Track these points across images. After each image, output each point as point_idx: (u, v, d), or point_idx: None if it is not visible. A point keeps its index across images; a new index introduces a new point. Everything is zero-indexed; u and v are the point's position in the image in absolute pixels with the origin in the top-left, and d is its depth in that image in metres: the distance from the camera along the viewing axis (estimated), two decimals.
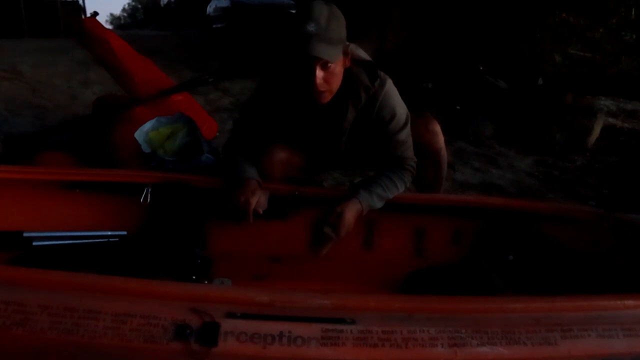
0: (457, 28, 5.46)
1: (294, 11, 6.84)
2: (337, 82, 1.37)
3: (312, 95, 1.36)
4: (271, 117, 1.53)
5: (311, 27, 1.25)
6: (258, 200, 1.43)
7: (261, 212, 1.44)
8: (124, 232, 1.54)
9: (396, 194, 1.54)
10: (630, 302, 1.02)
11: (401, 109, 1.53)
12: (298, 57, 1.30)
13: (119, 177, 1.57)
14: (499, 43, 5.40)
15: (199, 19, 9.63)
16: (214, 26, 7.33)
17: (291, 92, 1.46)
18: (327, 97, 1.38)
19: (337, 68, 1.34)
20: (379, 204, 1.51)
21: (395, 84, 1.54)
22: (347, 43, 1.37)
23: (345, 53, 1.37)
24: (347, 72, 1.41)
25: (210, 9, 7.76)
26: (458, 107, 5.00)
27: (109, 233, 1.53)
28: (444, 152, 1.76)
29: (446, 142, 1.81)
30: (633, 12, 5.03)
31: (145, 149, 1.99)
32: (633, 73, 5.04)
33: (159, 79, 2.69)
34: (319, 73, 1.30)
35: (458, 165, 3.55)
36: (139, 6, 32.23)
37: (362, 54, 1.50)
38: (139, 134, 2.03)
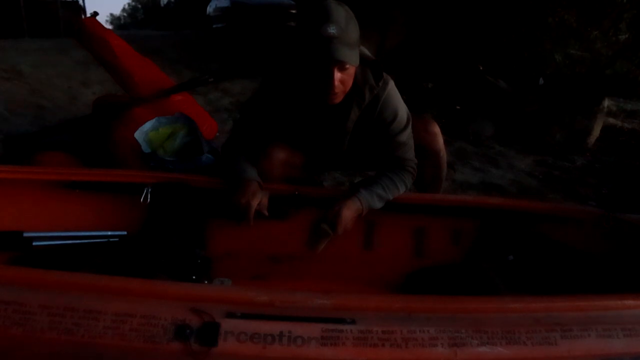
0: (457, 28, 5.46)
1: (294, 11, 6.85)
2: (351, 82, 1.37)
3: (326, 97, 1.36)
4: (273, 117, 1.52)
5: (332, 30, 1.23)
6: (260, 201, 1.43)
7: (266, 213, 1.44)
8: (124, 232, 1.54)
9: (396, 195, 1.54)
10: (630, 302, 1.02)
11: (403, 110, 1.53)
12: (319, 60, 1.28)
13: (119, 177, 1.57)
14: (499, 43, 5.41)
15: (199, 19, 9.63)
16: (214, 26, 7.33)
17: (296, 92, 1.45)
18: (340, 98, 1.38)
19: (352, 69, 1.34)
20: (379, 204, 1.50)
21: (396, 83, 1.54)
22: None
23: (360, 53, 1.36)
24: None
25: (210, 9, 7.76)
26: (458, 107, 5.00)
27: (109, 233, 1.53)
28: (443, 153, 1.76)
29: (446, 142, 1.81)
30: (625, 16, 5.04)
31: (145, 149, 1.99)
32: (628, 75, 5.05)
33: (159, 79, 2.68)
34: (337, 75, 1.30)
35: (458, 165, 3.55)
36: (139, 6, 32.25)
37: (367, 52, 1.50)
38: (139, 134, 2.03)
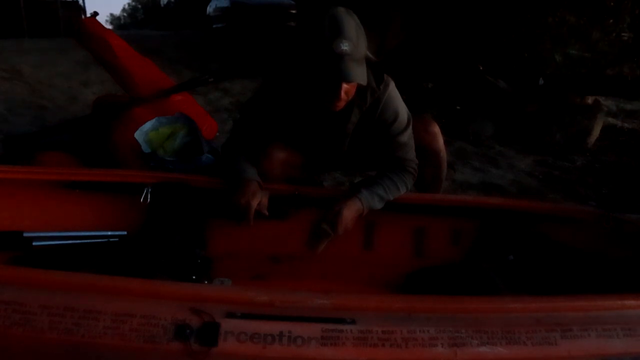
0: (457, 28, 5.46)
1: (294, 11, 6.85)
2: (354, 91, 1.37)
3: (329, 105, 1.35)
4: (273, 118, 1.52)
5: (344, 46, 1.21)
6: (260, 201, 1.43)
7: (266, 213, 1.44)
8: (124, 232, 1.54)
9: (397, 195, 1.54)
10: (630, 302, 1.02)
11: (403, 111, 1.53)
12: (328, 76, 1.26)
13: (119, 177, 1.57)
14: (499, 43, 5.40)
15: (199, 19, 9.64)
16: (214, 26, 7.33)
17: (296, 94, 1.45)
18: (342, 106, 1.38)
19: None
20: (379, 205, 1.50)
21: (395, 84, 1.54)
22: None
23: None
24: None
25: (210, 9, 7.76)
26: (458, 107, 5.00)
27: (109, 233, 1.53)
28: (443, 153, 1.76)
29: (446, 142, 1.81)
30: (627, 17, 5.03)
31: (145, 149, 1.99)
32: (631, 76, 5.03)
33: (159, 79, 2.68)
34: (344, 87, 1.30)
35: (458, 165, 3.55)
36: (139, 6, 32.28)
37: (369, 53, 1.50)
38: (139, 134, 2.03)
